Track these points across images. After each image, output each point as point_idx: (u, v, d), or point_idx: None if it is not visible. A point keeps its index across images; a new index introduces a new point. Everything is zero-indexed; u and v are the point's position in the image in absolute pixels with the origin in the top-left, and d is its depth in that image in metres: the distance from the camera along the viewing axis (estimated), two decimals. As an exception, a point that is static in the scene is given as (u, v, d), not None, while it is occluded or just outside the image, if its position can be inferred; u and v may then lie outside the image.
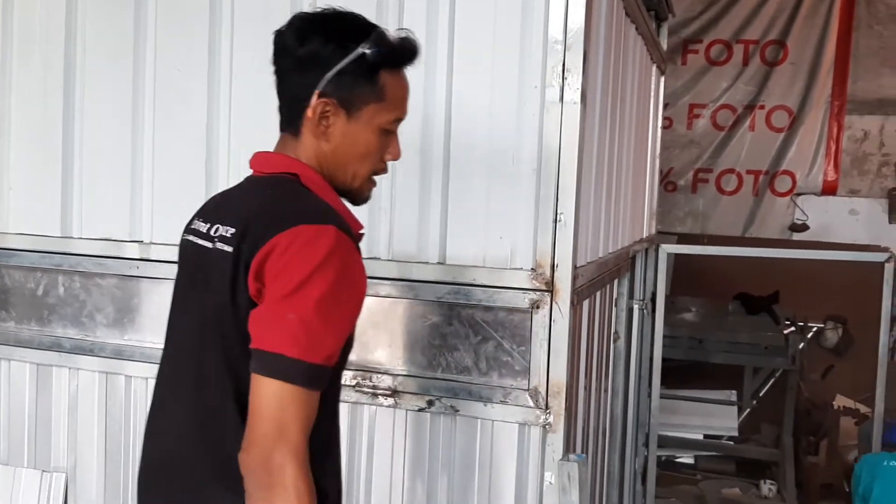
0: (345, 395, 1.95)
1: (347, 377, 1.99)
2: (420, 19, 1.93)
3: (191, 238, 1.40)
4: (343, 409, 1.99)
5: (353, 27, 1.33)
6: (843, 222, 5.45)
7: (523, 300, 1.87)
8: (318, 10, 1.37)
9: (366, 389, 1.98)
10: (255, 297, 1.24)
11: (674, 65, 5.72)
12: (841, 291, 5.24)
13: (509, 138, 1.90)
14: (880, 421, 3.95)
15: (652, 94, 3.66)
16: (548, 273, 1.86)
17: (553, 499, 1.83)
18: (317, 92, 1.32)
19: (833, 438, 4.87)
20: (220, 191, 1.56)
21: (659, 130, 3.95)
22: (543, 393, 1.85)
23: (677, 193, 5.82)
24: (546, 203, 1.86)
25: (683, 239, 5.83)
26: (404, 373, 1.96)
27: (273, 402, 1.18)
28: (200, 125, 2.14)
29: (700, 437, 5.35)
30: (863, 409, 5.18)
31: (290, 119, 1.37)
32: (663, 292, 3.94)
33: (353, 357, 2.00)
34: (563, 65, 1.83)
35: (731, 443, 5.26)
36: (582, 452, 2.00)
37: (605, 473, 2.88)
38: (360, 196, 1.43)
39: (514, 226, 1.90)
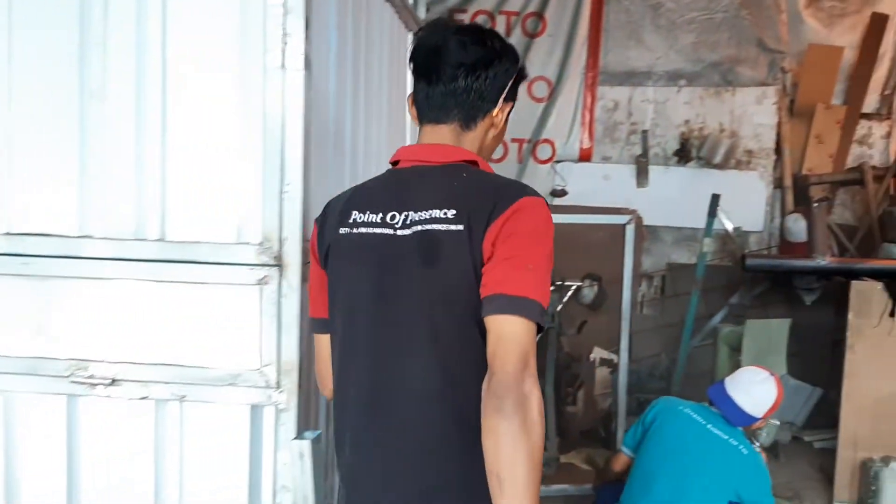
0: (58, 387, 1.80)
1: (61, 369, 1.82)
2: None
3: (363, 230, 1.54)
4: (59, 403, 1.83)
5: (510, 45, 1.65)
6: (598, 187, 5.80)
7: (250, 276, 1.79)
8: (474, 23, 1.78)
9: (80, 380, 1.82)
10: (486, 260, 1.44)
11: (441, 34, 5.78)
12: (596, 251, 5.57)
13: (233, 107, 1.80)
14: (625, 368, 4.28)
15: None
16: (276, 247, 1.79)
17: (287, 479, 1.78)
18: (503, 97, 1.60)
19: (589, 388, 5.22)
20: None
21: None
22: (274, 372, 1.79)
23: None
24: (272, 175, 1.78)
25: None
26: (124, 360, 1.82)
27: (521, 336, 1.38)
28: None
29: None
30: (616, 358, 5.60)
31: (471, 115, 1.58)
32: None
33: (65, 347, 1.85)
34: (284, 29, 1.75)
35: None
36: (319, 429, 1.96)
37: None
38: None
39: (242, 199, 1.81)
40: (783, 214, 5.80)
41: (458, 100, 1.57)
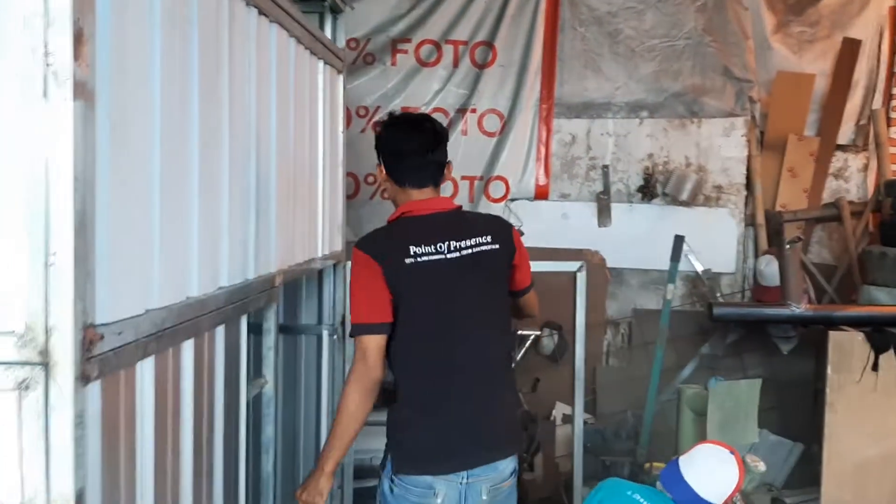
0: None
1: None
2: None
3: (440, 257, 2.32)
4: None
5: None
6: (557, 227, 5.36)
7: (5, 379, 1.32)
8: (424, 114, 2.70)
9: None
10: (513, 266, 2.44)
11: (384, 65, 5.37)
12: (555, 297, 5.11)
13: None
14: (580, 430, 3.81)
15: (326, 95, 3.23)
16: (41, 339, 1.32)
17: None
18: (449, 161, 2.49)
19: (549, 452, 4.75)
20: None
21: (341, 134, 3.54)
22: (36, 515, 1.31)
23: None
24: (34, 240, 1.32)
25: (401, 249, 5.52)
26: None
27: (536, 299, 2.64)
28: None
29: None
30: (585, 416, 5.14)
31: (440, 177, 2.44)
32: (346, 311, 3.54)
33: None
34: (46, 47, 1.30)
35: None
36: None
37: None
38: None
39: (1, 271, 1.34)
40: (756, 254, 5.40)
41: (436, 169, 2.43)
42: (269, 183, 2.47)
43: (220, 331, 2.06)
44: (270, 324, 2.52)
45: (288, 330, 3.60)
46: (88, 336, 1.37)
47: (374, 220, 5.53)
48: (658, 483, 2.63)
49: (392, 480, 2.32)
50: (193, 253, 1.88)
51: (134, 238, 1.58)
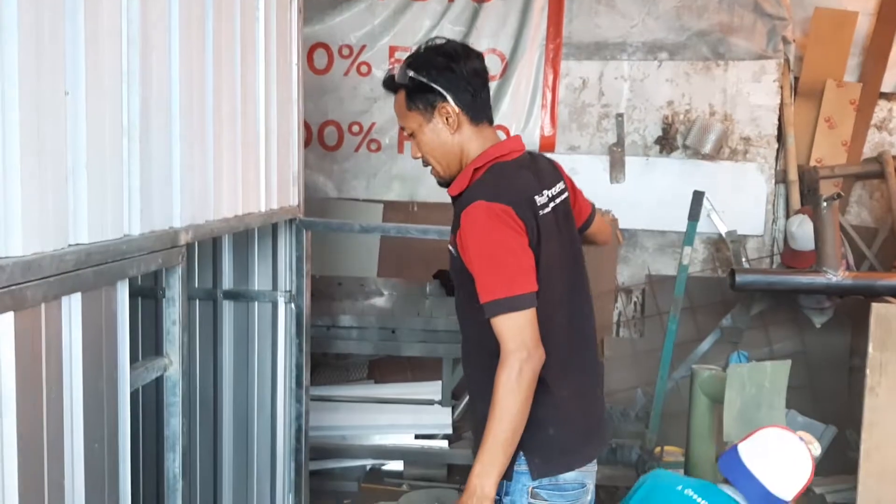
0: None
1: None
2: None
3: (550, 209, 2.00)
4: None
5: None
6: (563, 183, 4.84)
7: None
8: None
9: None
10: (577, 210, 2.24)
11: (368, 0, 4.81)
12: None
13: None
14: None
15: (271, 16, 2.69)
16: None
17: None
18: None
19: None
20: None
21: (295, 67, 2.99)
22: None
23: (382, 153, 4.95)
24: None
25: (390, 207, 5.01)
26: None
27: (602, 220, 2.43)
28: None
29: (412, 438, 4.60)
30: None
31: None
32: (303, 276, 3.04)
33: None
34: None
35: (446, 443, 4.55)
36: None
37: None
38: None
39: None
40: (787, 215, 4.83)
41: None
42: (170, 120, 1.94)
43: (74, 301, 1.56)
44: (174, 292, 2.01)
45: (237, 296, 3.11)
46: None
47: (360, 176, 5.01)
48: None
49: (532, 494, 1.93)
50: (14, 199, 1.37)
51: None
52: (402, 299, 4.39)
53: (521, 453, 1.93)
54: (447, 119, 2.00)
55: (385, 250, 4.86)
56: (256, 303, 3.12)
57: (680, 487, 2.28)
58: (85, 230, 1.59)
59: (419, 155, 2.10)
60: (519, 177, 1.99)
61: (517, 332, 1.83)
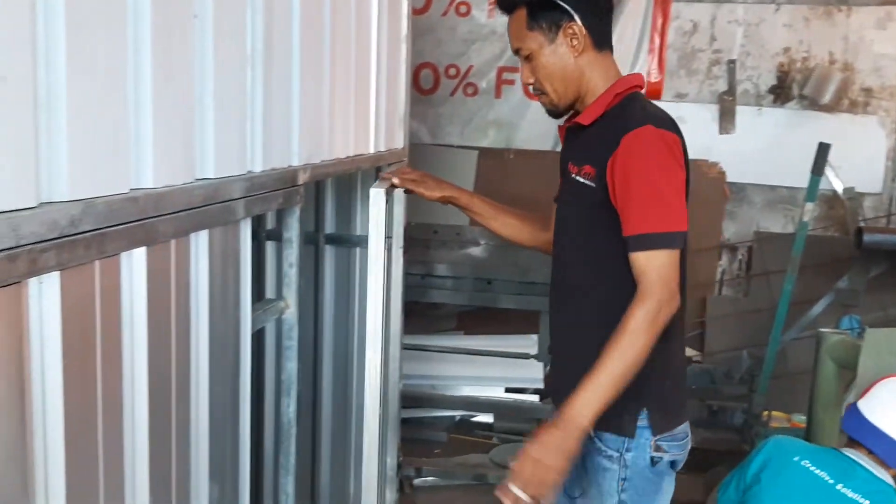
0: None
1: None
2: None
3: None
4: None
5: None
6: (668, 133, 4.60)
7: None
8: None
9: None
10: None
11: (471, -62, 4.63)
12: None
13: None
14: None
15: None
16: None
17: None
18: None
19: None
20: None
21: (405, 6, 2.86)
22: None
23: (478, 98, 4.80)
24: None
25: (485, 154, 4.87)
26: None
27: None
28: None
29: (502, 391, 4.53)
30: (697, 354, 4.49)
31: None
32: (401, 223, 2.96)
33: None
34: None
35: (537, 398, 4.47)
36: None
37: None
38: None
39: None
40: (910, 172, 4.52)
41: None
42: (290, 52, 1.85)
43: (201, 238, 1.49)
44: (291, 233, 1.94)
45: (339, 241, 3.04)
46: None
47: (455, 121, 4.88)
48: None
49: (655, 447, 1.82)
50: (146, 129, 1.29)
51: (20, 91, 1.00)
52: (499, 250, 4.27)
53: (644, 409, 1.82)
54: (572, 41, 1.83)
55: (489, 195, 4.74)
56: (358, 248, 3.05)
57: (797, 458, 2.17)
58: (211, 165, 1.51)
59: (532, 80, 1.90)
60: (659, 110, 1.85)
61: (666, 271, 1.68)
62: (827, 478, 2.09)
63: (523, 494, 1.57)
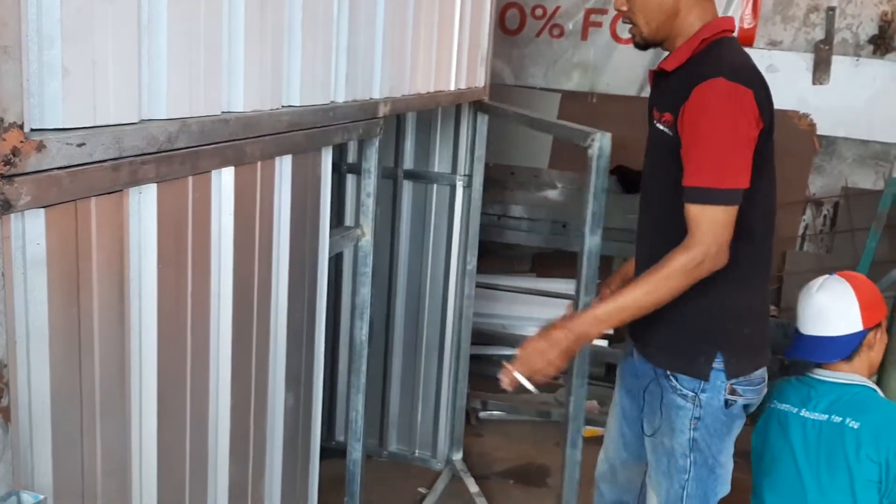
0: None
1: None
2: None
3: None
4: None
5: None
6: (758, 81, 4.46)
7: None
8: None
9: None
10: None
11: None
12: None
13: None
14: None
15: None
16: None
17: None
18: None
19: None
20: None
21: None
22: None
23: (564, 40, 4.75)
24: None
25: (568, 98, 4.83)
26: None
27: None
28: None
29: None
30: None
31: None
32: (481, 161, 3.00)
33: None
34: None
35: (606, 342, 4.50)
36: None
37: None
38: None
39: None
40: None
41: None
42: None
43: (285, 162, 1.58)
44: (370, 164, 2.02)
45: (417, 177, 3.11)
46: (10, 142, 0.91)
47: (539, 62, 4.85)
48: None
49: (730, 390, 1.87)
50: (238, 55, 1.37)
51: (125, 16, 1.09)
52: (576, 193, 4.27)
53: (720, 353, 1.85)
54: None
55: (559, 141, 4.73)
56: (435, 185, 3.11)
57: (772, 404, 2.18)
58: (297, 92, 1.59)
59: (625, 7, 1.86)
60: (747, 58, 1.81)
61: (718, 227, 1.69)
62: (791, 408, 2.12)
63: (522, 378, 1.73)
